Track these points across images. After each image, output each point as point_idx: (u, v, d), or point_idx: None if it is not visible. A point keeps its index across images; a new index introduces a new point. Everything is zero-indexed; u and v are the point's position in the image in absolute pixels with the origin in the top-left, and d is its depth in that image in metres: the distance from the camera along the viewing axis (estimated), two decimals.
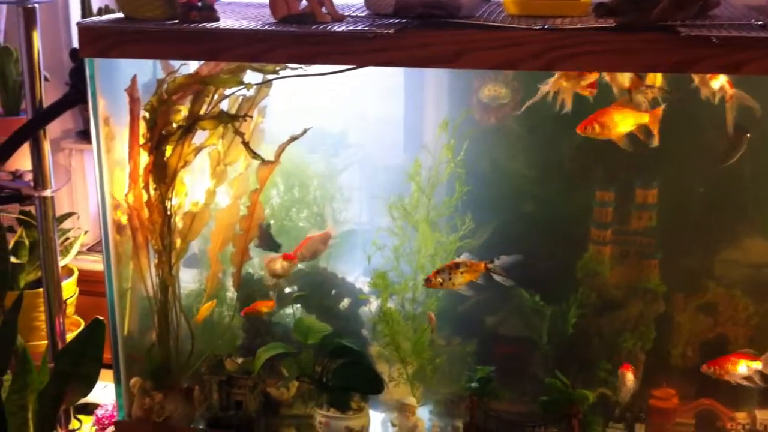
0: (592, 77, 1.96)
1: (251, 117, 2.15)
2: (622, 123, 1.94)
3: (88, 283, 2.96)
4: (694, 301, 2.24)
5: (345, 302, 2.41)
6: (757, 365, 1.99)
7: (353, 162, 2.81)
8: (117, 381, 2.32)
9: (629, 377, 2.10)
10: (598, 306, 2.24)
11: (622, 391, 2.11)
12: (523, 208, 2.35)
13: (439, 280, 2.07)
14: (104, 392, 2.68)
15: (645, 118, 1.93)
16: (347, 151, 2.78)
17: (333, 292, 2.43)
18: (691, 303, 2.24)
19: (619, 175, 2.24)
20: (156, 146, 2.12)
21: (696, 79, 1.94)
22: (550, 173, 2.34)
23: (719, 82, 1.91)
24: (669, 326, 2.25)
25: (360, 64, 1.96)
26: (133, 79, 2.11)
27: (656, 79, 1.97)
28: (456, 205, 2.22)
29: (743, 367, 2.00)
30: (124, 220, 2.22)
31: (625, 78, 1.94)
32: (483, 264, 2.08)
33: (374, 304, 2.34)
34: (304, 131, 2.12)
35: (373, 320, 2.30)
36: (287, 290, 2.44)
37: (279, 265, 2.24)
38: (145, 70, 2.22)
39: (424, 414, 2.32)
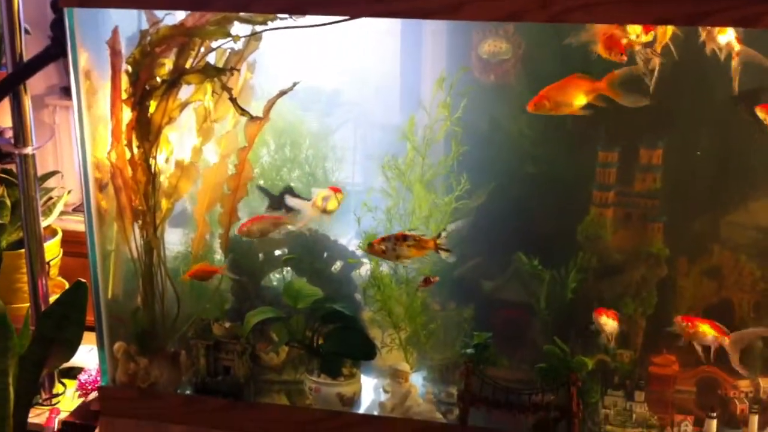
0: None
1: (238, 71, 2.05)
2: (576, 95, 1.85)
3: (73, 243, 2.87)
4: (699, 265, 2.17)
5: (337, 265, 2.33)
6: (724, 341, 1.92)
7: (347, 120, 2.72)
8: (100, 345, 2.25)
9: (604, 320, 2.02)
10: (598, 270, 2.16)
11: (601, 336, 2.04)
12: (523, 168, 2.26)
13: (382, 247, 1.96)
14: (90, 356, 2.61)
15: (600, 88, 1.83)
16: (341, 109, 2.69)
17: (325, 254, 2.35)
18: (695, 267, 2.17)
19: (623, 134, 2.15)
20: (139, 102, 2.03)
21: (703, 33, 1.84)
22: (551, 133, 2.25)
23: (726, 37, 1.81)
24: (671, 291, 2.17)
25: (356, 15, 1.87)
26: (115, 31, 2.00)
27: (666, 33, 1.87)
28: (452, 166, 2.13)
29: (711, 338, 1.93)
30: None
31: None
32: (432, 241, 1.96)
33: (366, 267, 2.27)
34: (294, 85, 2.02)
35: (364, 285, 2.22)
36: (277, 252, 2.36)
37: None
38: (130, 22, 2.12)
39: (417, 380, 2.26)
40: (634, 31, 1.81)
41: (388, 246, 1.95)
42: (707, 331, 1.95)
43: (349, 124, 2.75)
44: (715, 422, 2.02)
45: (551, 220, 2.24)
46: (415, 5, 1.75)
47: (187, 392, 2.24)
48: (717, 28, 1.77)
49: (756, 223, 2.16)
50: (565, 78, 1.85)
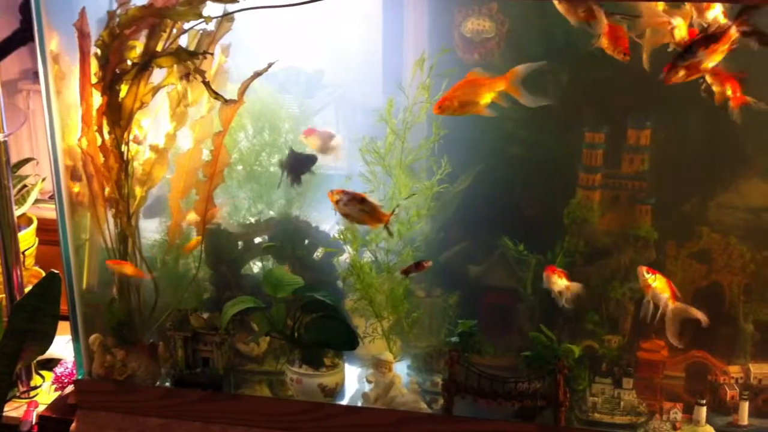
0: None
1: (212, 54, 1.98)
2: (480, 94, 1.80)
3: (49, 232, 2.78)
4: (688, 248, 2.12)
5: (319, 253, 2.27)
6: (671, 305, 1.86)
7: (329, 102, 2.66)
8: (75, 337, 2.19)
9: (554, 279, 1.96)
10: (586, 254, 2.12)
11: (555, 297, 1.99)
12: (508, 151, 2.21)
13: (336, 198, 1.90)
14: (68, 347, 2.53)
15: (501, 86, 1.78)
16: (323, 91, 2.63)
17: (306, 241, 2.29)
18: (684, 250, 2.12)
19: (611, 115, 2.09)
20: (109, 86, 1.95)
21: (692, 10, 1.78)
22: (536, 114, 2.18)
23: (714, 12, 1.74)
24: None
25: None
26: (82, 12, 1.93)
27: None
28: (433, 149, 2.07)
29: (665, 296, 1.87)
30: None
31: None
32: (386, 217, 1.90)
33: (347, 255, 2.21)
34: (269, 66, 1.95)
35: (343, 274, 2.16)
36: (257, 240, 2.30)
37: None
38: (102, 3, 2.05)
39: (402, 369, 2.21)
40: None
41: (342, 199, 1.89)
42: (664, 290, 1.89)
43: (330, 107, 2.70)
44: (704, 409, 1.97)
45: (537, 203, 2.19)
46: None
47: (166, 385, 2.18)
48: (705, 4, 1.70)
49: (746, 204, 2.11)
50: (466, 78, 1.79)
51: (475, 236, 2.25)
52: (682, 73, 1.66)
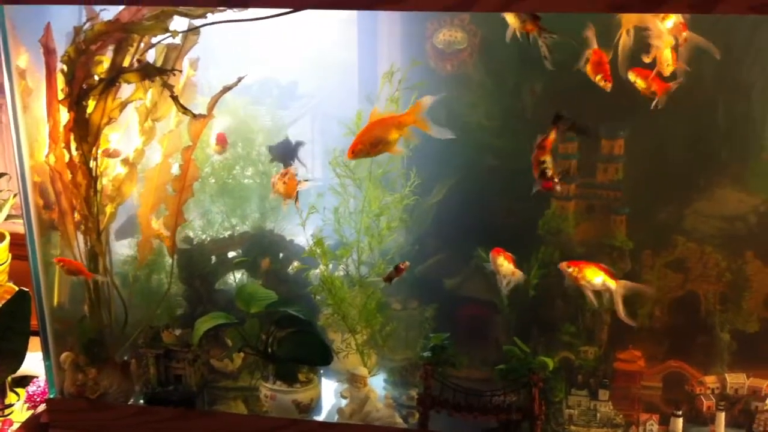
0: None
1: (180, 71, 1.96)
2: (388, 132, 1.79)
3: (23, 247, 2.76)
4: (663, 257, 2.11)
5: (293, 267, 2.25)
6: (611, 284, 1.85)
7: (303, 114, 2.64)
8: (46, 356, 2.16)
9: (500, 261, 1.95)
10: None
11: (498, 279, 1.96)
12: (483, 161, 2.20)
13: (274, 180, 1.98)
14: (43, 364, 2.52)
15: (408, 121, 1.78)
16: (297, 103, 2.61)
17: (281, 255, 2.27)
18: (659, 260, 2.11)
19: (584, 124, 2.08)
20: (76, 101, 1.93)
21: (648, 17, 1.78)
22: (510, 124, 2.18)
23: (672, 22, 1.74)
24: None
25: (299, 6, 1.78)
26: (47, 28, 1.91)
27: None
28: (403, 161, 2.05)
29: (599, 279, 1.86)
30: None
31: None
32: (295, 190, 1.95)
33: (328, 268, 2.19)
34: (238, 80, 1.94)
35: (314, 289, 2.14)
36: (231, 254, 2.28)
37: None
38: (71, 19, 2.02)
39: (379, 383, 2.19)
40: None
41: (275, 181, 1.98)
42: (595, 273, 1.87)
43: (306, 118, 2.68)
44: (680, 420, 1.96)
45: (512, 214, 2.17)
46: None
47: (140, 402, 2.16)
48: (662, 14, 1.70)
49: (721, 212, 2.11)
50: (370, 119, 1.79)
51: (451, 248, 2.24)
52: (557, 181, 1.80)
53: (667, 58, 1.74)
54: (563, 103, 2.08)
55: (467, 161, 2.20)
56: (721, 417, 1.97)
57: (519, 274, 1.94)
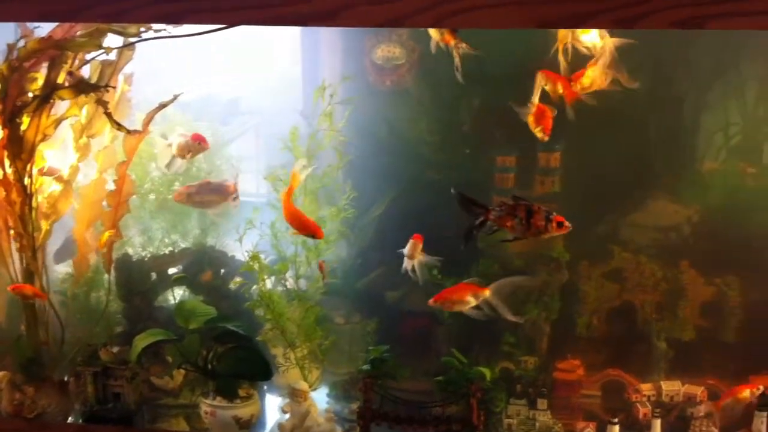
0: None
1: (114, 87, 1.95)
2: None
3: None
4: (600, 268, 2.15)
5: (235, 282, 2.25)
6: (484, 293, 1.89)
7: (246, 130, 2.64)
8: None
9: (418, 246, 1.97)
10: (500, 277, 2.10)
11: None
12: (422, 175, 2.22)
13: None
14: None
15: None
16: (239, 119, 2.61)
17: (222, 271, 2.27)
18: (596, 270, 2.15)
19: (521, 138, 2.11)
20: (10, 119, 1.91)
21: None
22: (450, 138, 2.20)
23: (590, 37, 1.80)
24: (574, 295, 2.15)
25: (233, 23, 1.78)
26: None
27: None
28: (337, 176, 2.07)
29: (470, 296, 1.89)
30: None
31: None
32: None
33: (267, 283, 2.18)
34: (174, 98, 1.94)
35: (253, 305, 2.14)
36: (171, 271, 2.27)
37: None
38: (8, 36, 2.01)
39: (322, 398, 2.19)
40: None
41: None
42: (463, 293, 1.89)
43: (250, 134, 2.68)
44: (617, 428, 1.99)
45: (451, 226, 2.19)
46: (294, 10, 1.66)
47: (79, 421, 2.13)
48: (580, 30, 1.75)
49: (656, 223, 2.15)
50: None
51: (393, 261, 2.25)
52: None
53: (590, 75, 1.78)
54: (500, 118, 2.12)
55: (408, 175, 2.22)
56: (657, 424, 2.00)
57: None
